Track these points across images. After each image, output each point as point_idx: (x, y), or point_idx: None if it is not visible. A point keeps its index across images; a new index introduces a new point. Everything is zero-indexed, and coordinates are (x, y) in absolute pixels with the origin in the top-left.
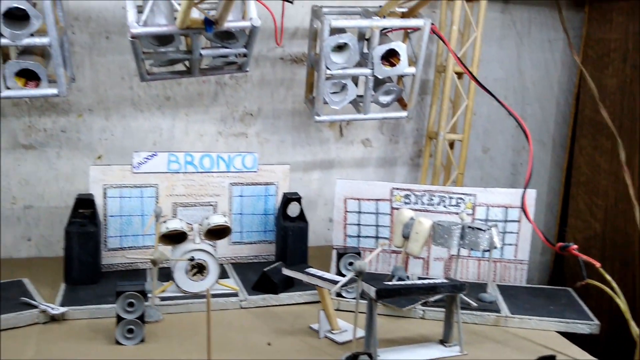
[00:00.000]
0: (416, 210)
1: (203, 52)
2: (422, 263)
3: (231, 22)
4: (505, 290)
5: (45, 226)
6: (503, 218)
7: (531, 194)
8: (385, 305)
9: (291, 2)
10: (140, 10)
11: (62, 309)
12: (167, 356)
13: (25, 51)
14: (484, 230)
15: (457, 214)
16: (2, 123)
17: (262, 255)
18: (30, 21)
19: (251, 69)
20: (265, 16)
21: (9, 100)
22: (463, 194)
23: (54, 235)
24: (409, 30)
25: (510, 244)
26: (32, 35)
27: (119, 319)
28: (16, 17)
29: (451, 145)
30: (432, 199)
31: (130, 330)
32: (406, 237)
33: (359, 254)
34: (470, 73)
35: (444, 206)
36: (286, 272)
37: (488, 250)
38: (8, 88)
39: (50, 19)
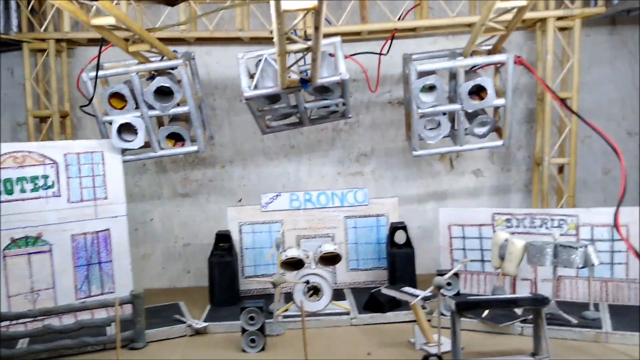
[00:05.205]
0: (519, 233)
1: (307, 105)
2: (530, 284)
3: (324, 78)
4: (616, 309)
5: (200, 260)
6: (609, 237)
7: (634, 211)
8: (485, 322)
9: (385, 54)
10: (252, 76)
11: (204, 324)
12: None
13: (174, 118)
14: (575, 248)
15: (562, 235)
16: (164, 177)
17: (378, 280)
18: (174, 95)
19: (362, 113)
20: (372, 67)
21: (168, 158)
22: (565, 215)
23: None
24: (498, 65)
25: (620, 263)
26: (177, 105)
27: (243, 330)
28: (164, 92)
29: (561, 169)
30: (533, 222)
31: (253, 340)
32: (502, 258)
33: (457, 275)
34: (557, 97)
35: (546, 228)
36: (384, 291)
37: (584, 268)
38: (162, 148)
39: (189, 92)
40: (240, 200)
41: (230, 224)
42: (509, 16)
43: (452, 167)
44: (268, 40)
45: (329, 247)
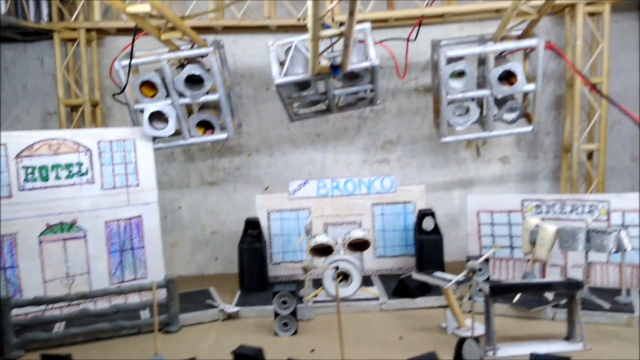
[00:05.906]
0: (548, 219)
1: (336, 92)
2: (560, 270)
3: (354, 65)
4: None
5: (228, 247)
6: None
7: None
8: (516, 307)
9: (412, 40)
10: (282, 63)
11: (236, 308)
12: (314, 346)
13: (203, 106)
14: (609, 233)
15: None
16: (192, 165)
17: (405, 267)
18: (204, 83)
19: (388, 101)
20: (399, 54)
21: (196, 146)
22: (596, 200)
23: (235, 255)
24: (527, 50)
25: None
26: (206, 93)
27: (276, 314)
28: (194, 81)
29: (590, 155)
30: (563, 208)
31: (285, 324)
32: (533, 243)
33: (487, 261)
34: (589, 82)
35: (577, 214)
36: (415, 276)
37: (617, 252)
38: (192, 136)
39: (218, 79)
40: (267, 188)
41: (258, 211)
42: (540, 1)
43: (478, 154)
44: (294, 29)
45: (358, 234)
